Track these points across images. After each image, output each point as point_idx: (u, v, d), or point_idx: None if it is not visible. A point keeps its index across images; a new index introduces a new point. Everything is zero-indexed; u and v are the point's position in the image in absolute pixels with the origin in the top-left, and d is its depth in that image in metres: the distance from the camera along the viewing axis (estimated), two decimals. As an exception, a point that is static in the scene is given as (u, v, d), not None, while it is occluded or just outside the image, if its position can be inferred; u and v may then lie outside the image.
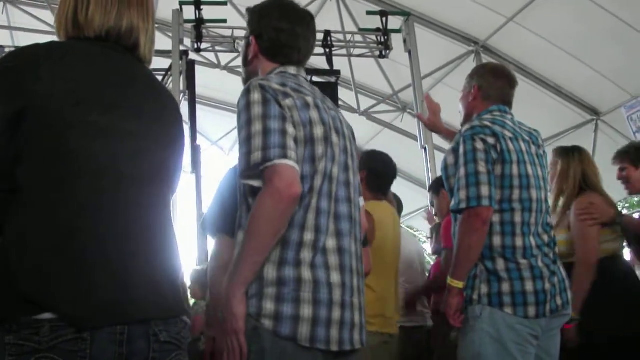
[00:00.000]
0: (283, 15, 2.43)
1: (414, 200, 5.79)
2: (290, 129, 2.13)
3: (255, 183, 2.09)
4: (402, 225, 5.04)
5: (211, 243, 2.80)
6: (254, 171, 2.07)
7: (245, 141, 2.11)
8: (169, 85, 8.35)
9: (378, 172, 3.98)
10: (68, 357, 1.56)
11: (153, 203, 1.83)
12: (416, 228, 14.35)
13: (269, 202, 2.03)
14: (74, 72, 1.76)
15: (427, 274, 5.19)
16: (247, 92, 2.18)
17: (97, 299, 1.61)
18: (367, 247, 3.32)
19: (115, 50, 1.88)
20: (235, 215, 2.45)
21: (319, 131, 2.21)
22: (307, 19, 2.49)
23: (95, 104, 1.75)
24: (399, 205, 4.87)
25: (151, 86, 1.96)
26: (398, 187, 4.63)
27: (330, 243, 2.19)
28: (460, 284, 2.87)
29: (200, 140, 8.86)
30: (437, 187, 4.99)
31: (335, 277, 2.16)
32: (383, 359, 3.73)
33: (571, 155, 3.89)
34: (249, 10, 2.52)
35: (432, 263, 7.18)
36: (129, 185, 1.76)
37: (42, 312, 1.55)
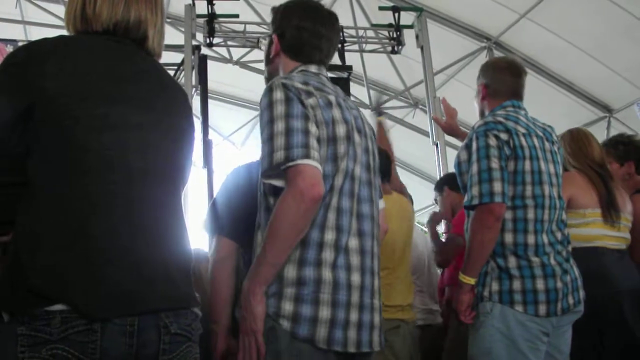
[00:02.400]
0: (306, 14, 2.42)
1: (425, 196, 5.79)
2: (313, 128, 2.11)
3: (278, 183, 2.07)
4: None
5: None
6: (276, 171, 2.05)
7: (268, 140, 2.09)
8: (181, 79, 8.35)
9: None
10: (79, 347, 1.57)
11: (163, 196, 1.83)
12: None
13: (291, 203, 2.01)
14: (82, 67, 1.76)
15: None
16: (269, 91, 2.16)
17: (108, 291, 1.62)
18: None
19: (124, 43, 1.88)
20: (241, 218, 2.47)
21: (341, 130, 2.19)
22: (331, 19, 2.47)
23: (104, 98, 1.75)
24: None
25: (160, 79, 1.96)
26: (409, 182, 4.65)
27: (353, 243, 2.17)
28: (472, 280, 2.87)
29: (211, 135, 8.85)
30: (440, 185, 4.99)
31: (356, 278, 2.15)
32: (396, 343, 3.73)
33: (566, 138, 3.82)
34: (273, 9, 2.51)
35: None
36: (139, 178, 1.76)
37: (54, 303, 1.56)
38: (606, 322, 3.23)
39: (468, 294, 2.88)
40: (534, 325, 2.80)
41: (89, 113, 1.71)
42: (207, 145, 8.04)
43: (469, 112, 3.34)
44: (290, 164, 2.02)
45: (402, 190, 4.34)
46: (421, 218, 13.32)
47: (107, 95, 1.77)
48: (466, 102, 3.31)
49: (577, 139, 3.80)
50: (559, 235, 2.96)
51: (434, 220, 4.74)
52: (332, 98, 2.24)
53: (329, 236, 2.12)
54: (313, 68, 2.38)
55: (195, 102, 8.43)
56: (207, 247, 3.02)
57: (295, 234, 2.05)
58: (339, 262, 2.12)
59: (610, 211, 3.59)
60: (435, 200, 4.98)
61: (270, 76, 2.46)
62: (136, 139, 1.78)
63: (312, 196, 2.00)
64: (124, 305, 1.63)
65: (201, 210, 8.61)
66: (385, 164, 4.02)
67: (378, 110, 4.45)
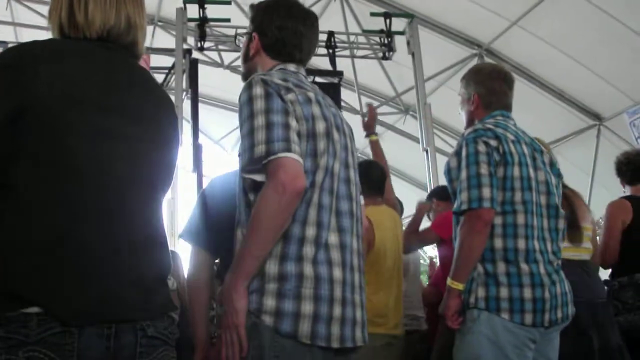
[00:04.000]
0: (287, 13, 2.42)
1: (413, 202, 5.80)
2: (293, 123, 2.12)
3: (258, 177, 2.08)
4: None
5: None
6: (257, 165, 2.06)
7: (248, 135, 2.10)
8: (172, 83, 8.34)
9: (370, 175, 3.98)
10: (55, 350, 1.56)
11: (147, 205, 1.83)
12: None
13: (273, 196, 2.01)
14: (73, 73, 1.75)
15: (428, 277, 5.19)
16: (249, 87, 2.17)
17: (86, 299, 1.61)
18: None
19: (115, 50, 1.87)
20: (217, 229, 2.52)
21: (320, 126, 2.20)
22: (311, 18, 2.48)
23: (93, 105, 1.74)
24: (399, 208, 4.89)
25: (148, 87, 1.95)
26: (399, 188, 4.66)
27: (333, 239, 2.18)
28: (460, 286, 2.86)
29: (202, 139, 8.85)
30: (429, 197, 5.03)
31: (338, 273, 2.15)
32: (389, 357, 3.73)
33: None
34: (252, 6, 2.52)
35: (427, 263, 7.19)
36: (125, 188, 1.76)
37: (30, 306, 1.56)
38: (565, 332, 3.27)
39: (456, 299, 2.88)
40: (522, 332, 2.80)
41: (78, 120, 1.70)
42: (197, 149, 8.03)
43: (459, 118, 3.34)
44: (272, 157, 2.03)
45: (394, 204, 4.35)
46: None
47: (98, 103, 1.76)
48: (457, 109, 3.30)
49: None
50: (550, 245, 2.95)
51: (420, 210, 4.75)
52: (311, 95, 2.25)
53: (310, 232, 2.12)
54: (292, 67, 2.40)
55: (186, 106, 8.43)
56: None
57: (277, 227, 2.06)
58: (320, 258, 2.12)
59: (575, 232, 3.70)
60: (428, 215, 5.00)
61: (247, 74, 2.45)
62: (125, 148, 1.78)
63: (294, 189, 2.01)
64: (101, 314, 1.63)
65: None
66: (380, 178, 4.04)
67: (369, 131, 4.44)
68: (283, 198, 2.00)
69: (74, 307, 1.59)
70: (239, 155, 2.19)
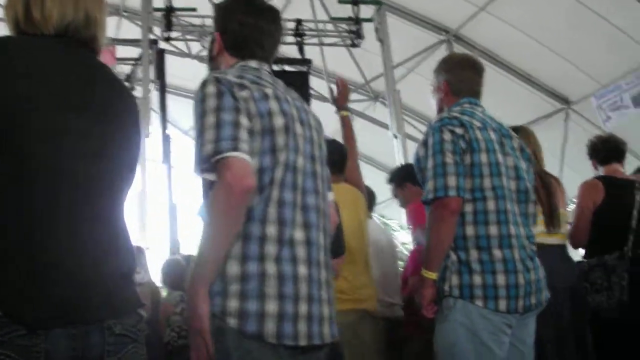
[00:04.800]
0: (247, 10, 2.40)
1: (386, 189, 5.80)
2: (244, 121, 2.09)
3: (210, 177, 2.07)
4: (374, 214, 5.00)
5: (183, 233, 2.77)
6: (207, 164, 2.05)
7: (199, 134, 2.08)
8: (139, 74, 8.26)
9: (329, 155, 3.96)
10: (21, 352, 1.54)
11: (108, 202, 1.79)
12: (389, 216, 14.37)
13: (221, 196, 2.00)
14: (29, 70, 1.70)
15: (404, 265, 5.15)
16: (202, 86, 2.15)
17: (48, 302, 1.59)
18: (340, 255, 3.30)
19: (74, 46, 1.82)
20: None
21: (279, 122, 2.17)
22: (273, 14, 2.46)
23: (54, 105, 1.70)
24: (371, 197, 4.84)
25: (109, 83, 1.90)
26: (370, 175, 4.63)
27: (299, 235, 2.15)
28: (433, 275, 2.86)
29: (171, 129, 8.78)
30: (398, 179, 4.96)
31: (303, 270, 2.13)
32: (363, 335, 3.71)
33: None
34: (215, 5, 2.51)
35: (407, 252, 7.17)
36: (86, 187, 1.72)
37: None
38: (541, 316, 3.30)
39: (430, 288, 2.88)
40: (497, 319, 2.80)
41: (38, 120, 1.66)
42: (166, 141, 7.96)
43: (429, 105, 3.33)
44: (219, 157, 2.01)
45: (358, 183, 4.30)
46: (382, 210, 13.37)
47: (58, 102, 1.71)
48: (426, 95, 3.29)
49: (525, 139, 3.86)
50: (523, 230, 2.96)
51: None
52: (269, 91, 2.22)
53: (271, 230, 2.10)
54: (253, 63, 2.36)
55: (154, 97, 8.35)
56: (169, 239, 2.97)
57: (229, 228, 2.03)
58: (284, 255, 2.10)
59: (552, 219, 3.74)
60: (395, 194, 4.96)
61: None
62: (84, 146, 1.74)
63: (242, 188, 1.99)
64: (66, 316, 1.60)
65: (161, 205, 8.52)
66: (340, 157, 4.00)
67: (340, 106, 4.34)
68: (231, 198, 1.99)
69: (37, 311, 1.56)
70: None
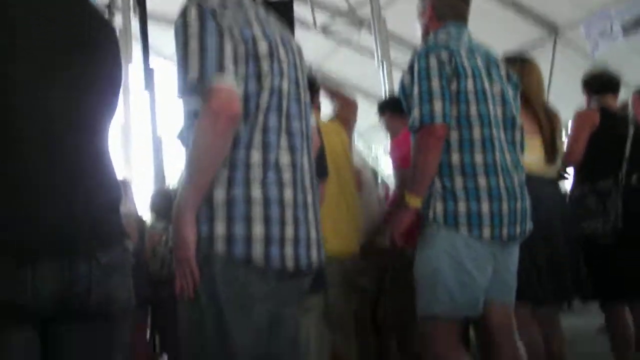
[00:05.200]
0: None
1: (371, 116, 5.79)
2: (228, 47, 2.06)
3: (195, 103, 2.05)
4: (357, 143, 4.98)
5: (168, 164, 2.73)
6: (192, 92, 2.03)
7: (182, 60, 2.05)
8: (118, 3, 8.10)
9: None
10: (9, 285, 1.54)
11: (88, 134, 1.76)
12: (375, 141, 14.38)
13: (207, 123, 1.99)
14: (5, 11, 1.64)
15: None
16: (184, 11, 2.10)
17: (33, 234, 1.58)
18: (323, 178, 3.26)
19: None
20: None
21: (263, 47, 2.14)
22: None
23: (26, 33, 1.64)
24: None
25: (88, 15, 1.82)
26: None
27: (285, 159, 2.15)
28: (417, 201, 2.86)
29: (153, 58, 8.63)
30: (384, 108, 4.93)
31: (289, 194, 2.13)
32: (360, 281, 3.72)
33: (511, 65, 3.80)
34: None
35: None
36: (63, 117, 1.68)
37: None
38: (537, 244, 3.34)
39: (410, 216, 2.88)
40: (481, 247, 2.82)
41: (9, 50, 1.61)
42: (148, 73, 7.85)
43: (416, 32, 3.26)
44: (204, 83, 2.00)
45: (347, 118, 4.28)
46: (367, 135, 13.29)
47: (29, 30, 1.65)
48: (412, 22, 3.22)
49: (527, 71, 3.81)
50: (511, 157, 2.95)
51: None
52: (251, 15, 2.19)
53: (256, 155, 2.10)
54: None
55: (135, 26, 8.19)
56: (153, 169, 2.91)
57: (215, 154, 2.03)
58: (269, 179, 2.10)
59: (553, 152, 3.75)
60: (385, 126, 4.93)
61: None
62: (61, 78, 1.69)
63: (228, 115, 1.99)
64: (52, 247, 1.59)
65: (144, 135, 8.45)
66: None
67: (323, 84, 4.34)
68: (217, 125, 1.98)
69: (25, 242, 1.55)
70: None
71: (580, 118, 4.28)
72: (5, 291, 1.53)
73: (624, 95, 4.60)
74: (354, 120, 4.46)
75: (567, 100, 4.17)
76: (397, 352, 4.58)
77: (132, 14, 8.19)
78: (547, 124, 3.75)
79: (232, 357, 2.04)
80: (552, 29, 9.82)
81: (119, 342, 1.80)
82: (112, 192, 1.80)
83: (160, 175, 7.60)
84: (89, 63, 1.76)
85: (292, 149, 2.18)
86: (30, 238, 1.56)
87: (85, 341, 1.71)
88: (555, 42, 9.81)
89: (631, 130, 4.21)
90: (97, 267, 1.67)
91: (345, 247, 3.75)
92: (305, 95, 2.33)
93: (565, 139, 4.12)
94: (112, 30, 1.91)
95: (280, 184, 2.11)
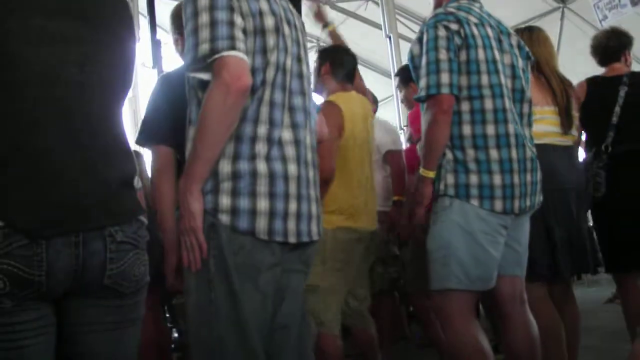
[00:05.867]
0: None
1: (379, 90, 5.79)
2: (238, 20, 2.08)
3: (205, 76, 2.05)
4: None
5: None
6: (202, 64, 2.03)
7: (192, 33, 2.06)
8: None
9: (341, 61, 3.92)
10: (24, 261, 1.55)
11: (104, 107, 1.77)
12: (382, 118, 14.35)
13: (218, 96, 2.00)
14: None
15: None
16: None
17: (49, 209, 1.59)
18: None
19: None
20: (171, 124, 2.47)
21: (269, 22, 2.16)
22: None
23: (39, 8, 1.65)
24: (375, 102, 4.92)
25: None
26: (363, 77, 4.56)
27: (287, 135, 2.18)
28: (431, 174, 2.87)
29: (160, 33, 8.62)
30: (404, 77, 4.90)
31: (292, 169, 2.16)
32: (355, 252, 3.74)
33: (520, 35, 3.77)
34: None
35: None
36: (78, 92, 1.69)
37: None
38: (554, 217, 3.35)
39: (429, 187, 2.88)
40: (493, 219, 2.82)
41: (23, 24, 1.61)
42: (155, 45, 7.81)
43: (426, 4, 3.24)
44: (216, 56, 2.01)
45: (363, 90, 4.28)
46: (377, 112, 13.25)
47: (43, 5, 1.67)
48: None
49: (537, 41, 3.77)
50: (521, 129, 2.94)
51: None
52: None
53: (262, 130, 2.12)
54: None
55: (142, 1, 8.16)
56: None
57: (225, 127, 2.04)
58: (273, 155, 2.13)
59: (568, 120, 3.71)
60: (398, 88, 4.90)
61: None
62: (74, 51, 1.70)
63: (239, 87, 2.00)
64: (66, 223, 1.61)
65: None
66: (351, 64, 3.98)
67: (322, 22, 4.33)
68: (228, 97, 1.99)
69: (38, 218, 1.56)
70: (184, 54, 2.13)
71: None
72: (19, 268, 1.54)
73: (635, 68, 4.55)
74: (365, 87, 4.46)
75: (575, 71, 4.13)
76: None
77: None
78: (561, 93, 3.71)
79: (242, 323, 2.07)
80: (560, 0, 9.74)
81: (133, 316, 1.83)
82: (126, 166, 1.80)
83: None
84: (101, 35, 1.76)
85: (294, 126, 2.21)
86: (40, 215, 1.57)
87: (101, 316, 1.73)
88: (563, 13, 9.73)
89: (622, 93, 4.10)
90: (112, 243, 1.69)
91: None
92: (306, 71, 2.35)
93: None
94: (125, 3, 1.92)
95: (284, 160, 2.14)
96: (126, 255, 1.73)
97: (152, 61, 7.77)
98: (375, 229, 3.89)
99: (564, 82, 3.80)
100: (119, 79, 1.84)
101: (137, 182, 5.19)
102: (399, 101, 7.66)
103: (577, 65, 4.62)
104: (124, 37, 1.86)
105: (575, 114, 3.83)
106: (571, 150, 3.84)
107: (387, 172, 4.67)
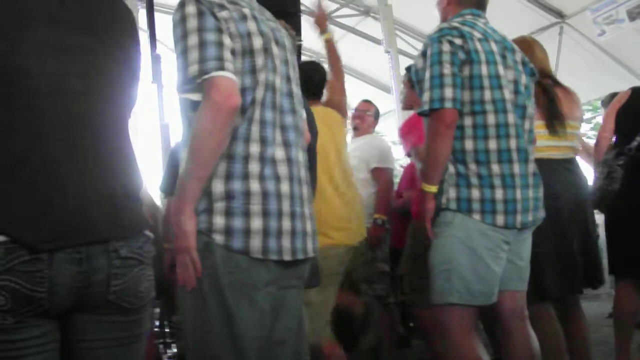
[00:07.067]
0: None
1: (378, 105, 5.80)
2: (227, 41, 2.11)
3: (194, 97, 2.08)
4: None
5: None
6: (192, 84, 2.06)
7: (182, 55, 2.09)
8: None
9: (306, 77, 3.94)
10: (26, 278, 1.54)
11: (107, 119, 1.76)
12: (382, 133, 14.35)
13: (208, 116, 2.03)
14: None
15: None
16: (181, 6, 2.14)
17: (53, 222, 1.57)
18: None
19: None
20: None
21: (257, 42, 2.20)
22: None
23: (43, 19, 1.66)
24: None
25: (105, 2, 1.85)
26: (362, 91, 4.60)
27: (279, 154, 2.20)
28: (433, 188, 2.88)
29: (160, 47, 8.65)
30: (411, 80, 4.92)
31: (285, 188, 2.18)
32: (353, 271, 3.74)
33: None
34: None
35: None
36: (83, 103, 1.69)
37: None
38: (546, 231, 3.33)
39: (432, 201, 2.89)
40: (496, 235, 2.82)
41: (27, 36, 1.61)
42: (155, 60, 7.84)
43: (425, 19, 3.26)
44: (205, 76, 2.03)
45: (340, 105, 4.27)
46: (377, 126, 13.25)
47: (47, 14, 1.67)
48: (421, 9, 3.22)
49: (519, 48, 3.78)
50: (524, 145, 2.94)
51: None
52: (246, 11, 2.23)
53: (254, 149, 2.15)
54: None
55: (142, 16, 8.18)
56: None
57: (215, 147, 2.07)
58: (266, 173, 2.15)
59: (553, 122, 3.68)
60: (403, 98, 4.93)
61: None
62: (79, 62, 1.70)
63: (228, 107, 2.03)
64: (70, 237, 1.59)
65: (152, 126, 8.45)
66: (319, 81, 4.00)
67: (321, 29, 4.35)
68: (218, 117, 2.02)
69: (41, 233, 1.55)
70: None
71: (612, 102, 4.28)
72: (22, 285, 1.53)
73: (632, 82, 4.57)
74: (345, 103, 4.46)
75: (574, 86, 4.12)
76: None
77: (138, 4, 8.17)
78: (543, 95, 3.69)
79: (237, 341, 2.08)
80: (559, 15, 9.76)
81: (139, 332, 1.81)
82: (132, 179, 1.79)
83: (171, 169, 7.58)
84: (106, 45, 1.77)
85: (286, 144, 2.23)
86: (42, 229, 1.55)
87: (105, 332, 1.72)
88: (561, 29, 9.74)
89: None
90: (117, 259, 1.67)
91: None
92: (296, 90, 2.37)
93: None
94: (130, 13, 1.92)
95: (277, 178, 2.16)
96: (131, 270, 1.72)
97: (152, 75, 7.81)
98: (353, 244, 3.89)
99: (543, 83, 3.74)
100: (124, 89, 1.84)
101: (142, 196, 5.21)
102: (399, 116, 7.68)
103: (576, 79, 4.61)
104: (128, 47, 1.86)
105: (573, 123, 3.81)
106: (569, 162, 3.83)
107: (375, 189, 4.68)
